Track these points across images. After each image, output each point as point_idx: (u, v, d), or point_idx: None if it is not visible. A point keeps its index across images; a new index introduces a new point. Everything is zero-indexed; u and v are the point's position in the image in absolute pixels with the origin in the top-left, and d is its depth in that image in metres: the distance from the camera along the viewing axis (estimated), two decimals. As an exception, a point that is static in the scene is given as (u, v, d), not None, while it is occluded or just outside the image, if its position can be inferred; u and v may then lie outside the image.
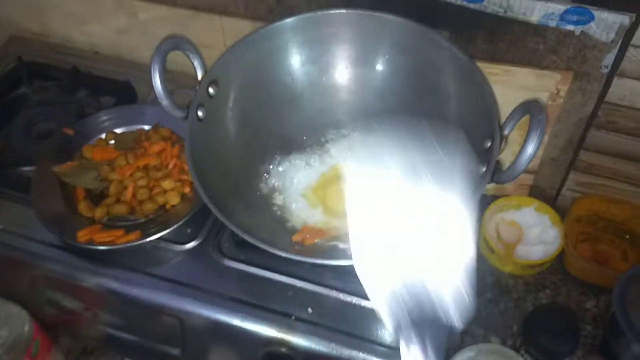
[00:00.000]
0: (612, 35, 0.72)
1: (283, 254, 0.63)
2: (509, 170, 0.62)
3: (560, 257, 0.91)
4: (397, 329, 0.59)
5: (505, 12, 0.74)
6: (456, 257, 0.60)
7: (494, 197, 0.96)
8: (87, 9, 0.99)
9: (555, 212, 0.93)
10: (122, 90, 0.96)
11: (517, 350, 0.81)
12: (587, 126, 0.84)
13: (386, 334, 0.71)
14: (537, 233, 0.93)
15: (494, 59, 0.81)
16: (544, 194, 0.97)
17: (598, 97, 0.80)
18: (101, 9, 0.98)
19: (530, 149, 0.60)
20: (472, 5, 0.75)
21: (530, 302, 0.89)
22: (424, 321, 0.59)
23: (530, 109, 0.62)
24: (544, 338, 0.76)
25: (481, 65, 0.79)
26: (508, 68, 0.80)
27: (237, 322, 0.72)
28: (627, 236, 0.93)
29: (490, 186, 0.97)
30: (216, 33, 0.91)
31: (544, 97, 0.81)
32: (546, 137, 0.87)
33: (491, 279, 0.92)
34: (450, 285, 0.59)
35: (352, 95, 0.80)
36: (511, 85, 0.81)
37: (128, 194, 0.78)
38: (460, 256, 0.60)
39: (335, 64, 0.79)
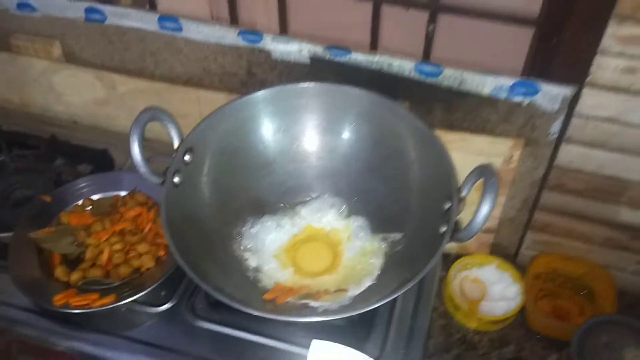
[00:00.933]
0: (556, 106, 0.79)
1: (255, 313, 0.66)
2: (466, 229, 0.67)
3: (522, 313, 0.95)
4: None
5: (460, 85, 0.81)
6: None
7: (458, 256, 1.00)
8: (67, 82, 1.04)
9: (516, 269, 0.97)
10: (99, 158, 0.99)
11: (484, 406, 0.84)
12: (540, 188, 0.91)
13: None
14: (499, 289, 0.97)
15: (451, 127, 0.87)
16: (505, 251, 1.02)
17: (548, 161, 0.87)
18: (81, 83, 1.03)
19: (484, 209, 0.65)
20: (429, 80, 0.82)
21: (495, 357, 0.92)
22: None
23: (483, 172, 0.67)
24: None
25: (440, 133, 0.86)
26: (464, 136, 0.86)
27: (208, 382, 0.73)
28: (584, 292, 0.97)
29: (454, 245, 1.03)
30: (192, 104, 0.96)
31: (498, 161, 0.88)
32: (503, 199, 0.93)
33: (457, 336, 0.95)
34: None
35: (321, 160, 0.85)
36: (468, 151, 0.87)
37: (104, 258, 0.80)
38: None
39: (305, 132, 0.84)
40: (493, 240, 1.00)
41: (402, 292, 0.66)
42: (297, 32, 0.94)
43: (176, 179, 0.75)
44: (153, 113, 0.75)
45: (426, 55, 0.88)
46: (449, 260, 1.02)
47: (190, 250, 0.71)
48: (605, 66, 0.73)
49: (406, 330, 0.77)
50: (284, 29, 0.93)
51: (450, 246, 1.03)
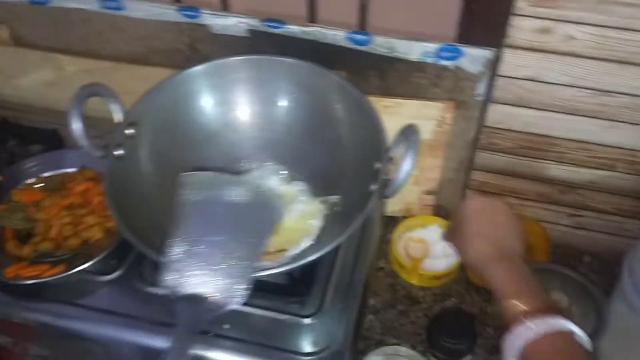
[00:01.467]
0: (480, 68, 0.84)
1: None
2: (391, 186, 0.71)
3: (464, 269, 1.00)
4: None
5: (390, 52, 0.85)
6: None
7: (404, 219, 1.05)
8: (15, 65, 1.05)
9: (457, 228, 1.02)
10: (49, 139, 1.02)
11: (424, 354, 0.89)
12: (474, 148, 0.95)
13: (304, 343, 0.77)
14: (441, 248, 1.02)
15: (386, 93, 0.91)
16: (447, 212, 1.07)
17: (478, 122, 0.91)
18: (29, 65, 1.05)
19: (406, 165, 0.69)
20: (361, 48, 0.86)
21: (438, 310, 0.97)
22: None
23: (407, 132, 0.72)
24: (443, 339, 0.84)
25: (376, 99, 0.90)
26: (399, 101, 0.90)
27: (159, 343, 0.77)
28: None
29: (402, 208, 1.07)
30: (139, 82, 0.97)
31: (432, 124, 0.92)
32: (440, 161, 0.98)
33: (403, 293, 1.00)
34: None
35: (261, 130, 0.88)
36: (403, 116, 0.91)
37: (54, 232, 0.83)
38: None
39: (244, 104, 0.87)
40: (435, 202, 1.05)
41: (331, 248, 0.70)
42: (239, 7, 0.96)
43: (119, 152, 0.78)
44: (93, 88, 0.78)
45: (362, 25, 0.91)
46: (395, 223, 1.07)
47: (136, 220, 0.74)
48: (521, 27, 0.77)
49: (344, 286, 0.82)
50: (224, 4, 0.95)
51: (398, 209, 1.08)
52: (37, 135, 1.03)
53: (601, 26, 0.74)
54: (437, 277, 0.98)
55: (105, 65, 1.00)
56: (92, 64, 1.00)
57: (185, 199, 0.77)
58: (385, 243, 1.05)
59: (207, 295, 0.69)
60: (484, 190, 1.02)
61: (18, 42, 1.06)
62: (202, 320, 0.68)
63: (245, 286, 0.69)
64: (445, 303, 0.98)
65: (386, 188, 0.73)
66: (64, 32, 1.01)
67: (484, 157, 0.96)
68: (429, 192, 1.03)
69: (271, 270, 0.71)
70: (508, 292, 0.61)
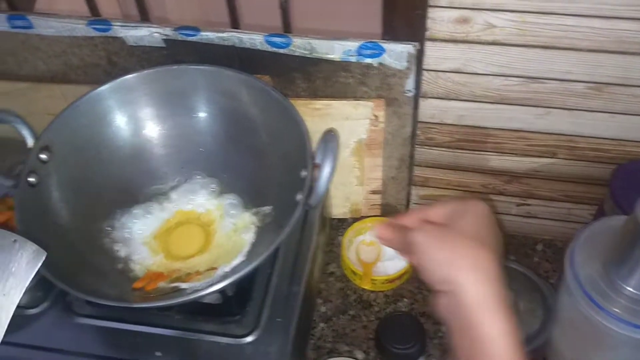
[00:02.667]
0: (404, 63, 0.80)
1: (126, 305, 0.67)
2: (313, 194, 0.68)
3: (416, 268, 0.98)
4: None
5: (311, 53, 0.82)
6: None
7: (355, 221, 1.02)
8: None
9: (406, 227, 1.00)
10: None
11: (373, 360, 0.86)
12: (412, 145, 0.93)
13: (236, 365, 0.74)
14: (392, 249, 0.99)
15: (314, 95, 0.88)
16: (395, 210, 1.04)
17: (412, 118, 0.88)
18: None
19: (325, 173, 0.67)
20: (281, 51, 0.83)
21: (390, 311, 0.95)
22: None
23: (325, 138, 0.69)
24: (391, 345, 0.82)
25: (305, 102, 0.87)
26: (328, 102, 0.87)
27: (90, 377, 0.74)
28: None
29: (346, 211, 1.05)
30: (58, 100, 0.94)
31: (366, 124, 0.89)
32: (381, 160, 0.95)
33: (354, 297, 0.97)
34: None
35: (186, 142, 0.84)
36: (334, 117, 0.88)
37: (-27, 268, 0.79)
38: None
39: (165, 117, 0.83)
40: (382, 201, 1.03)
41: (259, 262, 0.68)
42: (160, 19, 0.93)
43: (32, 179, 0.74)
44: (-1, 116, 0.74)
45: (286, 28, 0.88)
46: (345, 225, 1.04)
47: (57, 252, 0.70)
48: (439, 19, 0.74)
49: (282, 299, 0.79)
50: (143, 15, 0.92)
51: (344, 212, 1.05)
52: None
53: (520, 12, 0.72)
54: (390, 281, 0.95)
55: (23, 86, 0.96)
56: (9, 86, 0.96)
57: None
58: (336, 247, 1.03)
59: None
60: (429, 186, 0.99)
61: None
62: None
63: None
64: (397, 304, 0.96)
65: (310, 197, 0.70)
66: (-23, 55, 0.96)
67: (423, 153, 0.93)
68: (374, 192, 1.00)
69: (200, 292, 0.68)
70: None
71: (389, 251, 1.00)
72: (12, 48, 0.93)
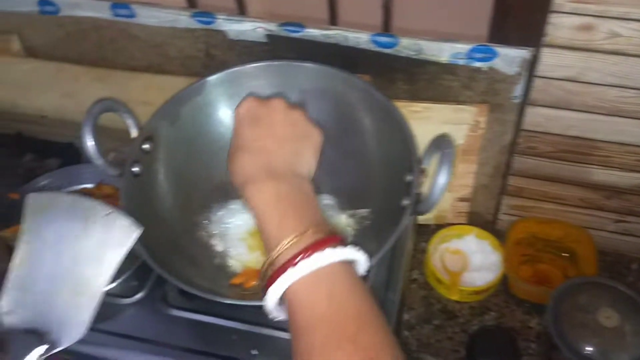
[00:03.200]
0: (516, 69, 0.78)
1: (220, 300, 0.66)
2: (425, 202, 0.66)
3: (504, 280, 0.95)
4: None
5: (418, 54, 0.80)
6: None
7: (439, 226, 1.00)
8: (29, 77, 1.02)
9: (494, 238, 0.97)
10: (66, 152, 0.99)
11: (462, 374, 0.84)
12: (510, 153, 0.89)
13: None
14: (480, 259, 0.97)
15: (414, 97, 0.86)
16: (482, 219, 1.01)
17: (515, 125, 0.85)
18: (43, 76, 1.01)
19: (441, 180, 0.64)
20: (386, 51, 0.81)
21: (476, 325, 0.92)
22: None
23: (440, 143, 0.66)
24: (485, 359, 0.79)
25: (403, 104, 0.85)
26: (428, 105, 0.85)
27: (184, 370, 0.73)
28: (566, 254, 0.97)
29: (431, 216, 1.02)
30: (155, 91, 0.95)
31: (465, 129, 0.86)
32: (474, 167, 0.92)
33: (438, 306, 0.95)
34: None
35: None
36: (433, 121, 0.86)
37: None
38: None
39: (265, 113, 0.82)
40: (469, 209, 1.00)
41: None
42: (257, 12, 0.92)
43: (136, 169, 0.74)
44: (106, 104, 0.74)
45: (386, 27, 0.86)
46: (428, 231, 1.02)
47: (156, 241, 0.71)
48: (560, 25, 0.71)
49: (378, 304, 0.77)
50: (241, 9, 0.91)
51: (428, 217, 1.03)
52: (53, 148, 1.00)
53: (650, 22, 0.68)
54: (477, 292, 0.93)
55: (120, 74, 0.96)
56: (107, 73, 0.97)
57: (26, 224, 0.72)
58: (419, 253, 1.00)
59: (41, 331, 0.66)
60: (522, 196, 0.96)
61: (30, 52, 1.03)
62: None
63: (83, 322, 0.67)
64: (484, 317, 0.93)
65: (419, 203, 0.68)
66: (76, 42, 0.98)
67: (522, 162, 0.90)
68: (462, 199, 0.98)
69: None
70: (270, 221, 0.52)
71: (475, 261, 0.97)
72: (111, 36, 0.94)
